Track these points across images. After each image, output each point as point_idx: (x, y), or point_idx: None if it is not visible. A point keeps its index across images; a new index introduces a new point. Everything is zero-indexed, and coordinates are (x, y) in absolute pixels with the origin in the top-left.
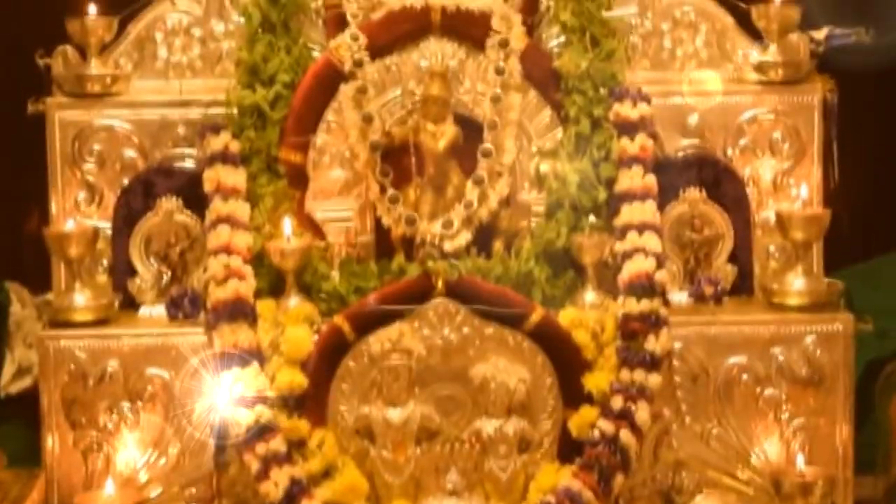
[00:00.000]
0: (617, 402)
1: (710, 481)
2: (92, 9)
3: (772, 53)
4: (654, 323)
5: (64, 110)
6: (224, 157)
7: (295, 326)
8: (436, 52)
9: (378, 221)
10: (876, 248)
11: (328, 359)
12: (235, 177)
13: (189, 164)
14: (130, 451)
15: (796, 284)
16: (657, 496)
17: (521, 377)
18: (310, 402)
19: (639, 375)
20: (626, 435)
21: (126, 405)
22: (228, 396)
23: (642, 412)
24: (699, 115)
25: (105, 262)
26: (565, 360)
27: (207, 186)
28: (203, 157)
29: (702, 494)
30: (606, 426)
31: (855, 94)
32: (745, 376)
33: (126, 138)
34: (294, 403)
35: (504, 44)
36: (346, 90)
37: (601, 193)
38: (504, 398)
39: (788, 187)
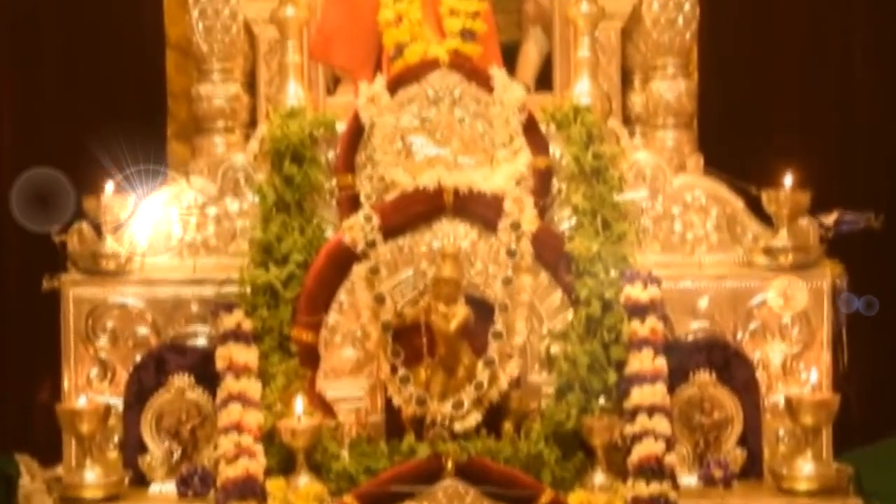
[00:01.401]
0: None
1: None
2: (109, 187)
3: (781, 238)
4: None
5: (78, 287)
6: (236, 336)
7: None
8: (448, 233)
9: (389, 401)
10: (885, 429)
11: None
12: (247, 355)
13: (202, 341)
14: None
15: (805, 469)
16: None
17: None
18: None
19: None
20: None
21: None
22: None
23: None
24: (709, 299)
25: (116, 438)
26: None
27: (219, 364)
28: (216, 334)
29: None
30: None
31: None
32: None
33: (139, 316)
34: None
35: (516, 226)
36: (358, 270)
37: (611, 376)
38: None
39: (798, 371)
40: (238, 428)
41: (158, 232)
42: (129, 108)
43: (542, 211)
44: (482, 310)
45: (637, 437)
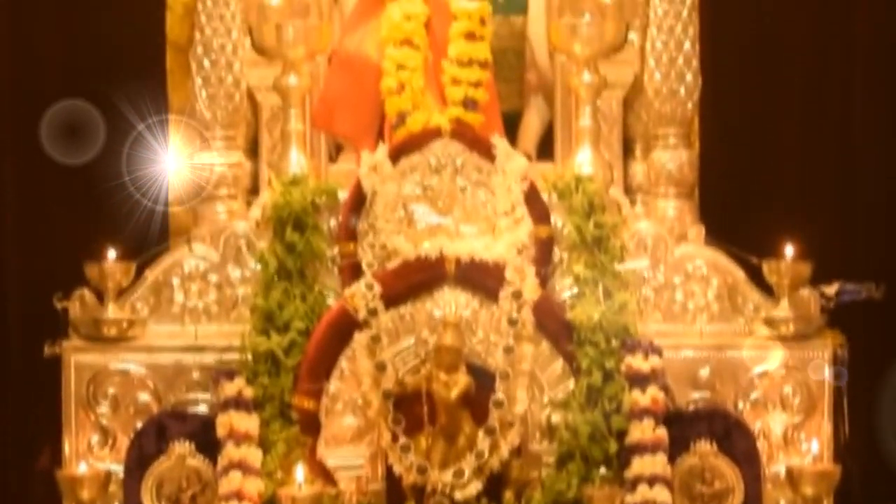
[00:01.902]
0: None
1: None
2: (111, 254)
3: (783, 308)
4: None
5: (80, 353)
6: (237, 403)
7: None
8: (449, 301)
9: (389, 469)
10: (886, 501)
11: None
12: (248, 423)
13: (203, 408)
14: None
15: None
16: None
17: None
18: None
19: None
20: None
21: None
22: None
23: None
24: (710, 369)
25: None
26: None
27: (220, 432)
28: (217, 402)
29: None
30: None
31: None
32: None
33: (141, 382)
34: None
35: (517, 295)
36: (359, 338)
37: (612, 445)
38: None
39: (799, 442)
40: (239, 496)
41: (160, 299)
42: (131, 174)
43: (544, 280)
44: (483, 378)
45: None
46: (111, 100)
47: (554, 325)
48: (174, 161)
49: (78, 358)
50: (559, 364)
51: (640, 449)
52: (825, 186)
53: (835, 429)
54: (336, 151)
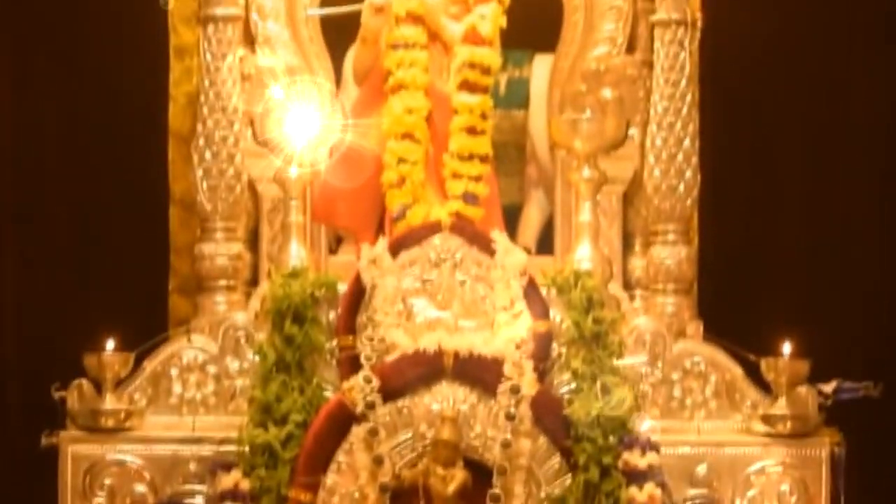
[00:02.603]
0: None
1: None
2: (109, 344)
3: (780, 406)
4: None
5: (77, 444)
6: (234, 496)
7: None
8: (447, 395)
9: None
10: None
11: None
12: None
13: (199, 501)
14: None
15: None
16: None
17: None
18: None
19: None
20: None
21: None
22: None
23: None
24: (708, 465)
25: None
26: None
27: None
28: (213, 494)
29: None
30: None
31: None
32: None
33: (137, 473)
34: None
35: (515, 390)
36: (357, 432)
37: None
38: None
39: None
40: None
41: (158, 389)
42: (131, 263)
43: (542, 375)
44: (480, 473)
45: None
46: (112, 187)
47: (552, 421)
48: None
49: (75, 448)
50: (556, 459)
51: None
52: (824, 285)
53: None
54: (336, 243)
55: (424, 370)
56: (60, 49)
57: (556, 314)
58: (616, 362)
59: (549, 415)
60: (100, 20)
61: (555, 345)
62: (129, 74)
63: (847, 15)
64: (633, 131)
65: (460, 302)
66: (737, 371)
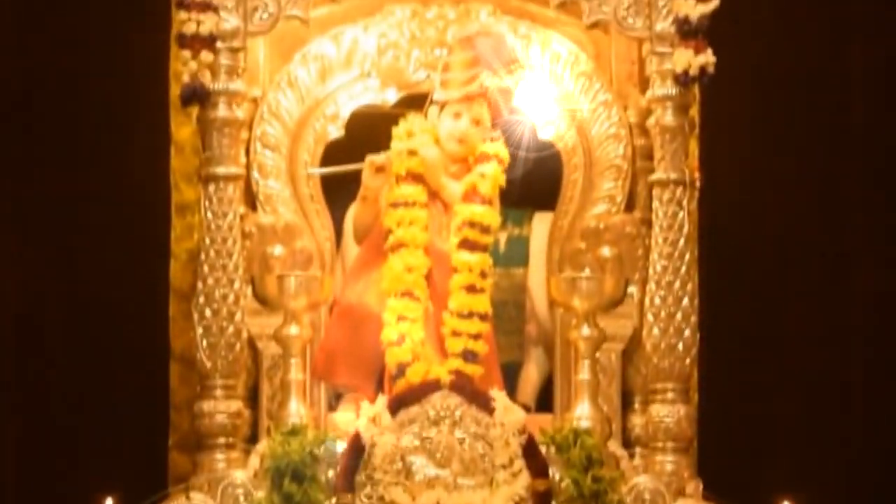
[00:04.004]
0: None
1: None
2: (108, 502)
3: None
4: None
5: None
6: None
7: None
8: None
9: None
10: None
11: None
12: None
13: None
14: None
15: None
16: None
17: None
18: None
19: None
20: None
21: None
22: None
23: None
24: None
25: None
26: None
27: None
28: None
29: None
30: None
31: None
32: None
33: None
34: None
35: None
36: None
37: None
38: None
39: None
40: None
41: None
42: (131, 419)
43: None
44: None
45: None
46: (114, 343)
47: None
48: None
49: None
50: None
51: None
52: (825, 443)
53: None
54: (336, 400)
55: None
56: (62, 206)
57: (555, 472)
58: None
59: None
60: (102, 178)
61: (554, 503)
62: (131, 231)
63: (843, 171)
64: (633, 289)
65: (459, 460)
66: None
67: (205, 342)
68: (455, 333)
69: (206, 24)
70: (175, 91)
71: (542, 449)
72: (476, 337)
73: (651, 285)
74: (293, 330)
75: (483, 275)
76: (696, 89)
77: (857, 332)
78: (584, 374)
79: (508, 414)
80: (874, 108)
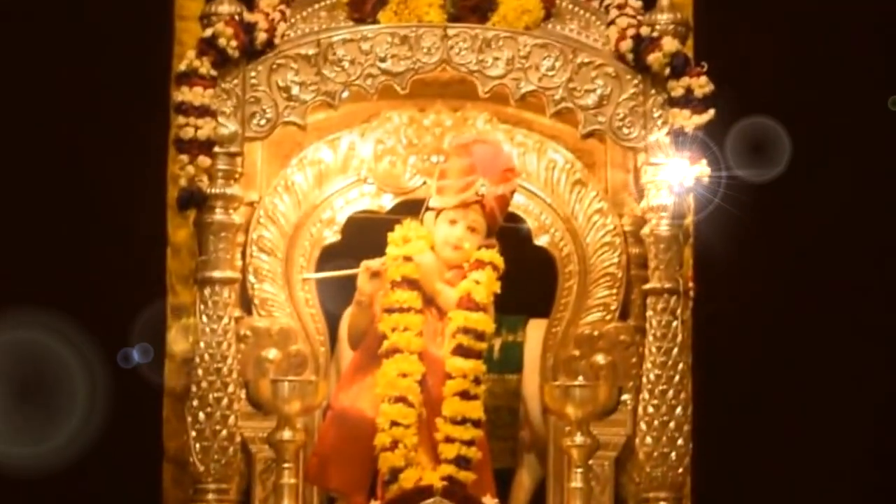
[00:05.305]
0: None
1: None
2: None
3: None
4: None
5: None
6: None
7: None
8: None
9: None
10: None
11: None
12: None
13: None
14: None
15: None
16: None
17: None
18: None
19: None
20: None
21: None
22: None
23: None
24: None
25: None
26: None
27: None
28: None
29: None
30: None
31: None
32: None
33: None
34: None
35: None
36: None
37: None
38: None
39: None
40: None
41: None
42: None
43: None
44: None
45: None
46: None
47: None
48: None
49: None
50: None
51: None
52: None
53: None
54: (328, 503)
55: None
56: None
57: None
58: None
59: None
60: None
61: None
62: (129, 334)
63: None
64: (626, 397)
65: None
66: None
67: (198, 445)
68: (448, 439)
69: (204, 129)
70: (172, 193)
71: None
72: (469, 443)
73: (644, 394)
74: (286, 434)
75: (477, 381)
76: (690, 199)
77: (855, 439)
78: (576, 482)
79: None
80: (866, 212)
